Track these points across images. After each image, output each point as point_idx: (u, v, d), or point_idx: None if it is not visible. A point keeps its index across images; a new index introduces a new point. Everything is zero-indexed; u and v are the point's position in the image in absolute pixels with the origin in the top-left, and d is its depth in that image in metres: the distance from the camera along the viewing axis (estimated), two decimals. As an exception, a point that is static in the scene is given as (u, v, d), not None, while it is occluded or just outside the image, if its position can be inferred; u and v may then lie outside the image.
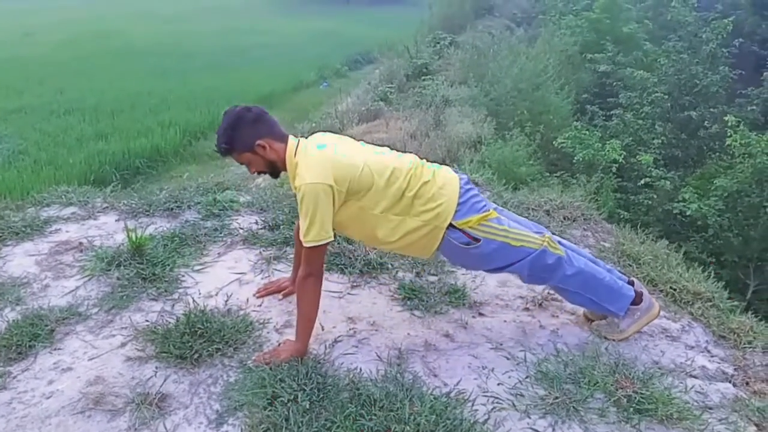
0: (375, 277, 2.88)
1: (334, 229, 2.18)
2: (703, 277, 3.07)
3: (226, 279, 2.83)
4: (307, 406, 1.95)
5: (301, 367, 2.14)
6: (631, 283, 2.49)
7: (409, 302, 2.67)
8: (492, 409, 2.02)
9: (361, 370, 2.20)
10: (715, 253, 8.57)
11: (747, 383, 2.24)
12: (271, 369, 2.13)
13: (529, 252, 2.26)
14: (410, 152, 2.53)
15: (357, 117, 9.71)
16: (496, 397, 2.08)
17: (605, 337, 2.43)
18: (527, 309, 2.67)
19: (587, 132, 10.31)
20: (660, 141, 10.96)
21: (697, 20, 13.79)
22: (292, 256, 2.91)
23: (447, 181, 2.29)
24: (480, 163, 6.12)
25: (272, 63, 18.35)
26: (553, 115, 11.48)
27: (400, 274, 2.92)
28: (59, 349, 2.32)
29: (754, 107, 11.95)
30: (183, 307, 2.58)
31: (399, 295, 2.73)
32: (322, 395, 2.02)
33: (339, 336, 2.41)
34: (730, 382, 2.25)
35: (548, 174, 8.81)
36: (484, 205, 2.29)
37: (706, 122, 11.40)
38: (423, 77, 12.31)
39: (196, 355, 2.24)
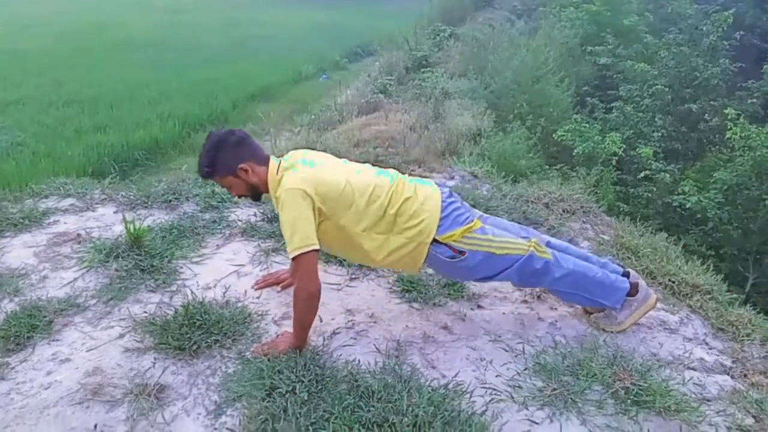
0: (374, 270, 2.88)
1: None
2: (702, 269, 3.07)
3: (225, 271, 2.83)
4: (306, 398, 1.96)
5: (299, 358, 2.14)
6: (627, 275, 2.50)
7: (407, 294, 2.67)
8: (490, 400, 2.03)
9: (359, 361, 2.20)
10: (714, 246, 8.56)
11: (745, 375, 2.25)
12: (269, 360, 2.13)
13: (516, 259, 2.27)
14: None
15: (356, 109, 9.65)
16: (494, 389, 2.08)
17: (603, 330, 2.44)
18: (526, 301, 2.67)
19: (587, 125, 10.27)
20: (660, 134, 10.92)
21: (698, 13, 13.73)
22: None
23: (428, 196, 2.29)
24: (480, 156, 6.09)
25: (271, 55, 18.26)
26: (553, 108, 11.43)
27: (399, 266, 2.91)
28: (57, 340, 2.32)
29: (755, 100, 11.90)
30: (181, 298, 2.59)
31: (397, 287, 2.73)
32: (320, 387, 2.02)
33: (337, 328, 2.41)
34: (728, 374, 2.26)
35: (548, 167, 8.77)
36: (468, 217, 2.30)
37: (706, 115, 11.36)
38: (423, 69, 12.24)
39: (194, 347, 2.25)
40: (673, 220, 9.23)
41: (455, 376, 2.14)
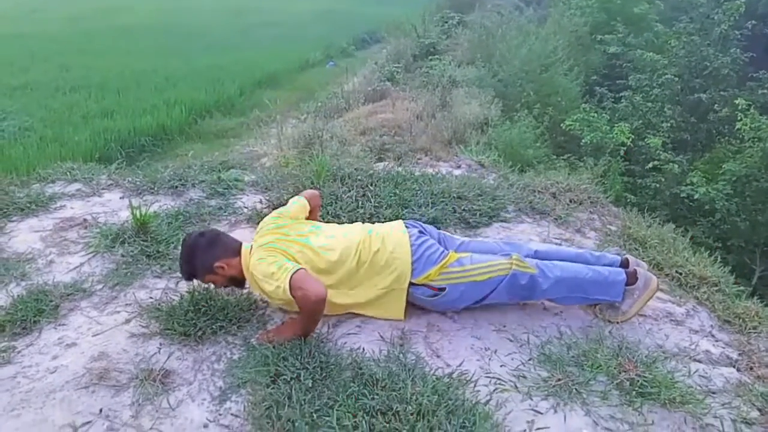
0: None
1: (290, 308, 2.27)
2: (709, 261, 3.05)
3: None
4: (310, 385, 1.96)
5: (304, 346, 2.15)
6: (625, 262, 2.49)
7: (413, 283, 2.66)
8: (494, 390, 2.02)
9: (363, 350, 2.20)
10: (721, 238, 8.52)
11: (751, 368, 2.24)
12: (274, 347, 2.14)
13: (500, 280, 2.29)
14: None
15: (363, 97, 9.62)
16: (499, 379, 2.08)
17: (609, 321, 2.42)
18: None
19: (595, 114, 10.21)
20: (669, 124, 10.84)
21: (709, 1, 13.56)
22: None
23: (397, 243, 2.33)
24: (486, 145, 6.06)
25: (278, 42, 18.21)
26: (562, 97, 11.36)
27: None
28: (64, 324, 2.33)
29: (765, 91, 11.76)
30: (187, 284, 2.59)
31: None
32: (324, 374, 2.03)
33: (342, 317, 2.41)
34: (734, 366, 2.25)
35: (555, 156, 8.73)
36: (441, 253, 2.33)
37: (716, 105, 11.26)
38: (430, 57, 12.16)
39: (200, 333, 2.25)
40: (680, 211, 9.19)
41: (460, 365, 2.14)
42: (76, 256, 2.84)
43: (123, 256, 2.82)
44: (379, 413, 1.84)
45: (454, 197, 3.48)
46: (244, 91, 12.94)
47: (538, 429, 1.87)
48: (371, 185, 3.63)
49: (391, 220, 3.04)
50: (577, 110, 10.40)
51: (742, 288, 2.94)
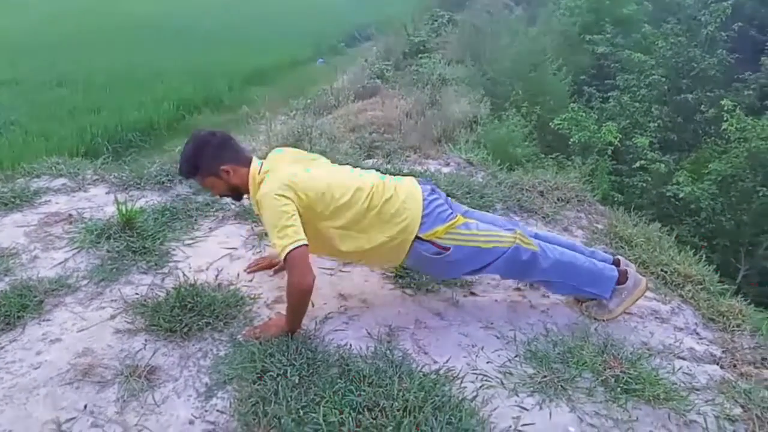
0: (367, 255, 2.87)
1: None
2: (694, 260, 3.08)
3: (217, 254, 2.82)
4: (297, 381, 1.96)
5: (291, 342, 2.14)
6: (617, 262, 2.50)
7: (400, 280, 2.67)
8: (480, 386, 2.03)
9: (351, 346, 2.20)
10: (707, 237, 8.61)
11: (734, 365, 2.26)
12: (261, 344, 2.13)
13: (502, 251, 2.27)
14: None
15: (353, 94, 9.61)
16: (485, 375, 2.09)
17: (595, 318, 2.44)
18: (518, 289, 2.67)
19: (584, 114, 10.28)
20: (656, 124, 10.93)
21: (696, 2, 13.69)
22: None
23: (409, 194, 2.28)
24: (475, 143, 6.09)
25: (267, 38, 18.14)
26: (550, 96, 11.42)
27: (392, 251, 2.91)
28: (48, 320, 2.31)
29: (751, 92, 11.90)
30: (173, 280, 2.58)
31: (391, 273, 2.72)
32: (311, 370, 2.02)
33: (330, 312, 2.41)
34: (717, 364, 2.27)
35: (543, 155, 8.79)
36: (450, 214, 2.29)
37: (702, 106, 11.37)
38: (420, 55, 12.18)
39: (186, 329, 2.24)
40: (666, 210, 9.27)
41: (446, 361, 2.15)
42: (61, 252, 2.81)
43: (108, 251, 2.79)
44: (365, 409, 1.84)
45: (442, 195, 3.48)
46: (233, 87, 12.90)
47: (524, 425, 1.88)
48: (360, 182, 3.62)
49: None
50: (566, 109, 10.46)
51: (726, 286, 2.97)
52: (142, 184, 3.55)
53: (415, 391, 1.92)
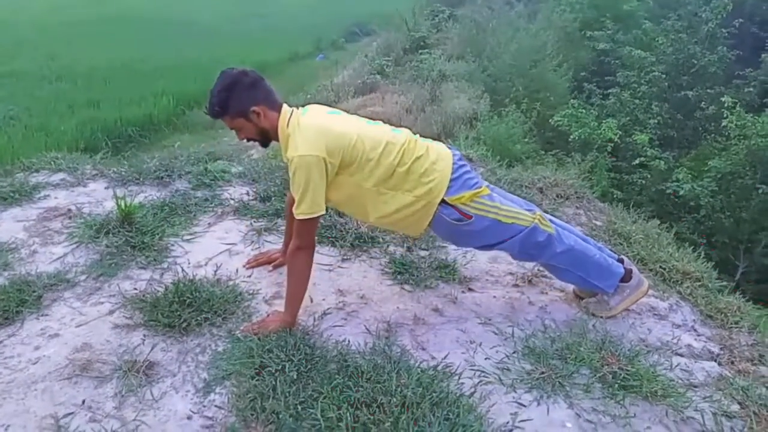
0: (366, 251, 2.87)
1: (326, 203, 2.16)
2: (692, 257, 3.08)
3: (216, 249, 2.82)
4: (295, 377, 1.96)
5: (289, 338, 2.14)
6: (621, 261, 2.50)
7: (399, 276, 2.67)
8: (478, 382, 2.03)
9: (349, 342, 2.20)
10: (706, 234, 8.61)
11: (732, 362, 2.26)
12: (259, 339, 2.13)
13: (521, 229, 2.25)
14: (406, 127, 2.50)
15: (353, 90, 9.61)
16: (483, 371, 2.09)
17: (594, 314, 2.44)
18: (517, 285, 2.67)
19: (584, 110, 10.26)
20: (656, 121, 10.92)
21: (698, -1, 13.68)
22: (282, 227, 2.90)
23: (440, 156, 2.25)
24: (475, 140, 6.09)
25: (268, 33, 18.12)
26: (550, 93, 11.41)
27: (391, 248, 2.91)
28: (46, 315, 2.31)
29: (751, 89, 11.89)
30: (172, 276, 2.57)
31: (389, 269, 2.72)
32: (309, 366, 2.02)
33: (328, 308, 2.41)
34: (715, 360, 2.27)
35: (543, 152, 8.79)
36: (477, 182, 2.27)
37: (702, 103, 11.35)
38: (420, 51, 12.16)
39: (184, 324, 2.24)
40: (666, 207, 9.27)
41: (445, 357, 2.15)
42: (60, 247, 2.81)
43: (107, 246, 2.79)
44: (363, 405, 1.84)
45: (441, 191, 3.48)
46: (233, 82, 12.85)
47: (522, 421, 1.88)
48: (359, 178, 3.62)
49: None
50: (566, 106, 10.44)
51: (724, 283, 2.97)
52: (141, 180, 3.55)
53: (413, 386, 1.92)
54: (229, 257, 2.77)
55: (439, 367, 2.09)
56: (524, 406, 1.95)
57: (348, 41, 18.77)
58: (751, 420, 1.94)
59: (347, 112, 2.44)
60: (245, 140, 2.31)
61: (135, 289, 2.50)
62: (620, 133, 9.73)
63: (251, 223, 3.08)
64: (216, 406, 1.90)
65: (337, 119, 2.25)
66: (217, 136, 8.87)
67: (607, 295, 2.44)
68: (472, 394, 1.97)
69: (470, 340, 2.26)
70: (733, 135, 9.03)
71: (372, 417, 1.80)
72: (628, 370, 2.07)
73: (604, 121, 10.00)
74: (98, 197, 3.32)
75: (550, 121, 10.07)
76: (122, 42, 15.60)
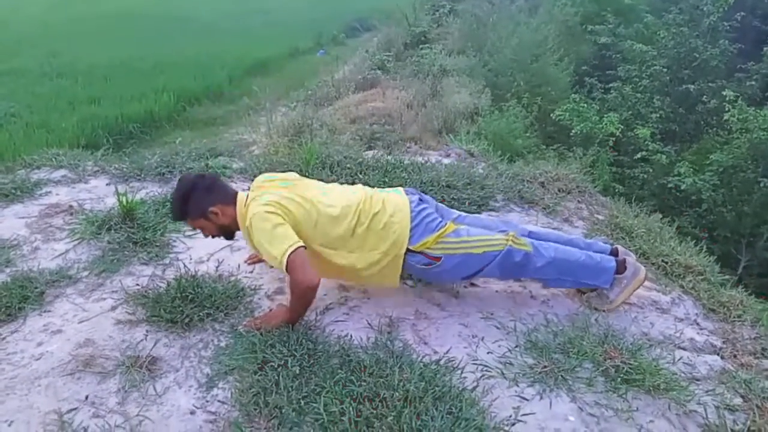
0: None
1: None
2: (695, 251, 3.08)
3: (218, 245, 2.82)
4: (297, 372, 1.96)
5: (291, 333, 2.14)
6: (615, 252, 2.50)
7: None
8: (481, 376, 2.03)
9: (351, 337, 2.21)
10: (707, 228, 8.60)
11: (735, 356, 2.26)
12: (261, 334, 2.13)
13: (495, 255, 2.28)
14: (359, 184, 2.54)
15: (353, 85, 9.56)
16: (485, 365, 2.09)
17: (595, 308, 2.44)
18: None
19: (585, 105, 10.22)
20: (658, 115, 10.88)
21: (699, -8, 13.60)
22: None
23: (397, 207, 2.30)
24: (476, 135, 6.06)
25: (268, 29, 18.08)
26: (552, 87, 11.37)
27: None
28: (49, 311, 2.32)
29: (753, 82, 11.83)
30: (174, 272, 2.58)
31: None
32: (312, 361, 2.03)
33: (330, 303, 2.41)
34: (718, 354, 2.27)
35: (545, 147, 8.75)
36: (440, 222, 2.31)
37: (704, 97, 11.31)
38: (421, 46, 12.11)
39: (186, 320, 2.24)
40: (667, 201, 9.25)
41: (447, 352, 2.15)
42: (62, 243, 2.81)
43: (109, 243, 2.79)
44: (366, 399, 1.85)
45: (443, 186, 3.49)
46: (234, 78, 12.85)
47: (524, 415, 1.88)
48: (360, 173, 3.62)
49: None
50: (567, 100, 10.40)
51: (727, 277, 2.97)
52: (142, 176, 3.55)
53: (415, 381, 1.92)
54: (230, 253, 2.77)
55: (442, 362, 2.09)
56: (527, 399, 1.95)
57: (348, 36, 18.72)
58: (754, 413, 1.94)
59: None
60: (212, 237, 2.41)
61: (137, 285, 2.50)
62: (622, 127, 9.70)
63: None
64: (219, 401, 1.91)
65: (288, 192, 2.29)
66: (218, 132, 8.86)
67: (605, 289, 2.45)
68: (474, 388, 1.98)
69: (472, 335, 2.27)
70: (735, 129, 9.00)
71: (375, 411, 1.80)
72: (630, 364, 2.07)
73: (605, 115, 9.97)
74: (100, 194, 3.33)
75: (551, 115, 10.03)
76: (122, 39, 15.57)
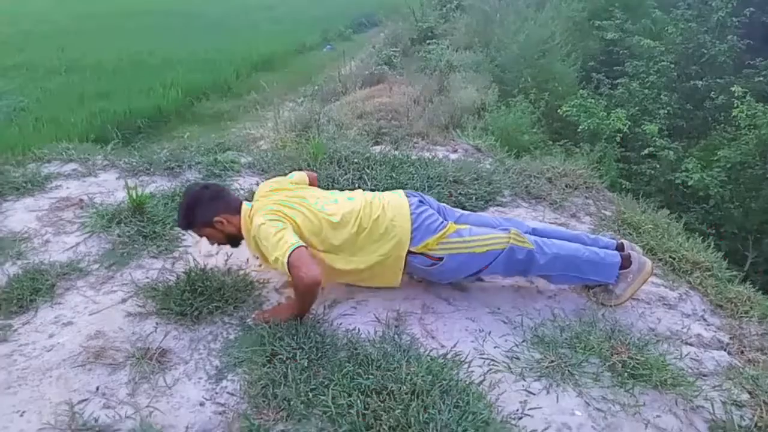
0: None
1: None
2: (702, 246, 3.07)
3: (227, 238, 2.83)
4: (306, 364, 1.98)
5: (300, 326, 2.16)
6: (620, 246, 2.51)
7: (408, 265, 2.67)
8: (488, 371, 2.04)
9: (359, 330, 2.22)
10: (715, 225, 8.56)
11: (742, 352, 2.26)
12: (270, 327, 2.15)
13: (497, 253, 2.30)
14: (359, 190, 2.56)
15: (360, 81, 9.57)
16: (492, 360, 2.10)
17: (602, 304, 2.44)
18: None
19: (592, 100, 10.17)
20: (665, 111, 10.81)
21: (708, -12, 13.50)
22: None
23: (397, 211, 2.33)
24: (483, 130, 6.06)
25: (276, 24, 18.09)
26: (559, 83, 11.32)
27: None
28: (60, 303, 2.34)
29: (762, 78, 11.71)
30: (183, 265, 2.60)
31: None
32: (320, 354, 2.04)
33: (338, 297, 2.43)
34: (725, 350, 2.27)
35: (552, 142, 8.72)
36: (441, 223, 2.33)
37: (712, 93, 11.22)
38: (428, 41, 12.10)
39: (196, 313, 2.27)
40: (675, 197, 9.20)
41: (454, 346, 2.16)
42: (72, 236, 2.84)
43: (119, 236, 2.82)
44: (373, 392, 1.86)
45: (450, 181, 3.49)
46: (241, 73, 12.86)
47: (531, 409, 1.89)
48: (368, 168, 3.63)
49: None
50: (574, 96, 10.36)
51: (734, 273, 2.96)
52: (151, 170, 3.57)
53: (422, 374, 1.93)
54: (239, 246, 2.79)
55: (449, 356, 2.10)
56: (533, 394, 1.96)
57: (355, 32, 18.70)
58: (761, 409, 1.94)
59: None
60: (218, 245, 2.49)
61: (147, 278, 2.53)
62: (629, 123, 9.64)
63: (261, 213, 3.09)
64: (228, 392, 1.93)
65: (289, 201, 2.33)
66: (226, 127, 8.88)
67: (611, 285, 2.45)
68: (481, 382, 1.99)
69: (479, 329, 2.28)
70: (743, 125, 8.93)
71: (382, 404, 1.81)
72: (637, 359, 2.08)
73: (612, 111, 9.92)
74: (109, 187, 3.35)
75: (558, 111, 9.99)
76: (131, 34, 15.61)
